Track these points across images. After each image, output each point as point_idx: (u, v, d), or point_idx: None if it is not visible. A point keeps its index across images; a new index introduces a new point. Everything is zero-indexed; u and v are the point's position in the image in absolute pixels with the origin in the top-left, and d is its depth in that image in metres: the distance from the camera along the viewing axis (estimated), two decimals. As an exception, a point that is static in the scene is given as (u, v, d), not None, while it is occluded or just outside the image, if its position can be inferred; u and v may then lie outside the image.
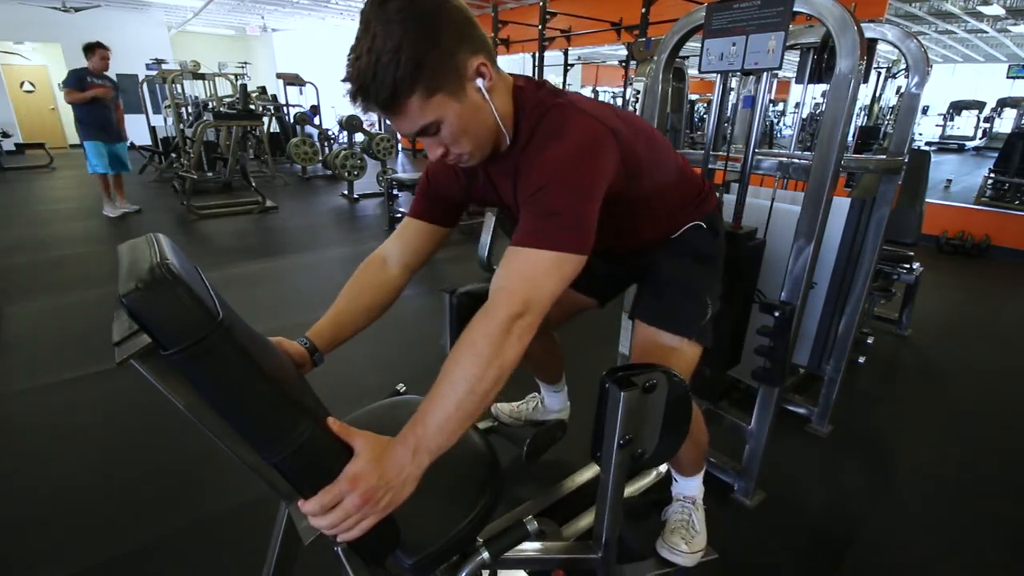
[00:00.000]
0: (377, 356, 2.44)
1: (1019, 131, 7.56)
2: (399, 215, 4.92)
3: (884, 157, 1.66)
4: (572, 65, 7.47)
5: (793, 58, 1.83)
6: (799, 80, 1.72)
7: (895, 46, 1.62)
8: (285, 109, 8.49)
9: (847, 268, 1.65)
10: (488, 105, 0.79)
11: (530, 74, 0.83)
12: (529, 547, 1.11)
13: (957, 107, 12.43)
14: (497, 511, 0.90)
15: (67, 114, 9.29)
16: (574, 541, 1.17)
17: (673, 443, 0.99)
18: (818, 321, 1.68)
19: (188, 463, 1.72)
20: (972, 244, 4.42)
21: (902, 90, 3.43)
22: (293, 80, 8.13)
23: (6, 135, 8.61)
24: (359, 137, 6.56)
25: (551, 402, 1.66)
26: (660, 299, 1.08)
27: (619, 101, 10.23)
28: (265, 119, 7.46)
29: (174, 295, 0.52)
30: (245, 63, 9.93)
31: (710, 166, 1.57)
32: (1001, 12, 7.79)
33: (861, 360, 2.45)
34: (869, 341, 2.63)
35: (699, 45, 1.35)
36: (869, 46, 1.51)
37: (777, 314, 1.29)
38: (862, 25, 1.16)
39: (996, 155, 5.70)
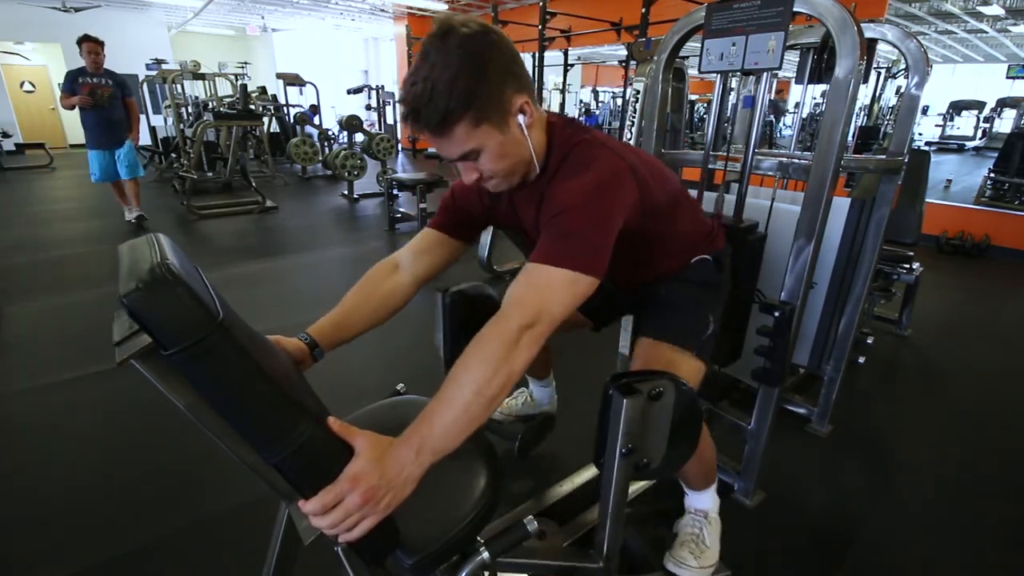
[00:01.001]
0: (377, 356, 2.44)
1: (1019, 131, 7.56)
2: (399, 215, 4.92)
3: (884, 157, 1.66)
4: (572, 65, 7.48)
5: (793, 58, 1.83)
6: (799, 80, 1.72)
7: (895, 46, 1.62)
8: (285, 109, 8.49)
9: (847, 268, 1.65)
10: (526, 140, 0.85)
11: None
12: (529, 553, 1.09)
13: (957, 107, 12.43)
14: (497, 511, 0.90)
15: (67, 114, 9.31)
16: (575, 548, 1.15)
17: (680, 455, 0.96)
18: (818, 321, 1.68)
19: (188, 463, 1.72)
20: (972, 244, 4.42)
21: (902, 90, 3.43)
22: (293, 80, 8.13)
23: (6, 135, 8.61)
24: (359, 137, 6.56)
25: (540, 396, 1.70)
26: (662, 315, 1.11)
27: (619, 101, 10.24)
28: (265, 119, 7.46)
29: (174, 295, 0.52)
30: (245, 63, 9.93)
31: (710, 166, 1.57)
32: (1001, 12, 7.79)
33: (861, 360, 2.45)
34: (869, 341, 2.63)
35: (699, 45, 1.35)
36: (869, 46, 1.51)
37: (777, 314, 1.29)
38: (862, 25, 1.16)
39: (996, 155, 5.70)
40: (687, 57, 2.53)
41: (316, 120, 8.26)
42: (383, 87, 8.75)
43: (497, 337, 0.72)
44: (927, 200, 3.31)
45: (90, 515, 1.50)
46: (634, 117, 2.06)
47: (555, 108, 8.73)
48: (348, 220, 5.31)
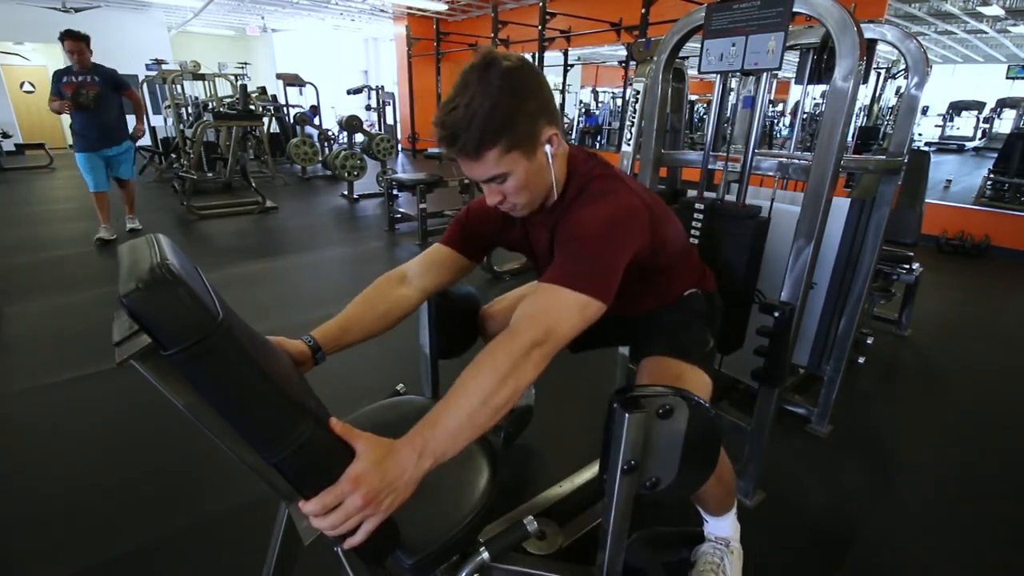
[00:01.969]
0: (377, 356, 2.44)
1: (1019, 131, 7.57)
2: (399, 215, 4.92)
3: (884, 157, 1.66)
4: (572, 65, 7.48)
5: (793, 58, 1.83)
6: (799, 80, 1.72)
7: (895, 46, 1.62)
8: (285, 109, 8.50)
9: (847, 268, 1.65)
10: (550, 169, 0.90)
11: (559, 109, 0.92)
12: (531, 569, 1.08)
13: (957, 107, 12.43)
14: (497, 511, 0.90)
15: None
16: (576, 565, 1.14)
17: (695, 478, 0.93)
18: (818, 321, 1.68)
19: (188, 463, 1.72)
20: (972, 244, 4.42)
21: (902, 90, 3.43)
22: (293, 80, 8.13)
23: (6, 135, 8.61)
24: (359, 137, 6.56)
25: None
26: (663, 333, 1.12)
27: (619, 101, 10.23)
28: (265, 119, 7.47)
29: (174, 295, 0.52)
30: (245, 63, 9.94)
31: (710, 166, 1.57)
32: (1001, 13, 7.79)
33: (861, 360, 2.45)
34: (869, 341, 2.63)
35: (699, 45, 1.35)
36: (869, 46, 1.51)
37: (777, 314, 1.29)
38: (862, 25, 1.16)
39: (996, 155, 5.70)
40: (687, 57, 2.53)
41: (316, 120, 8.26)
42: (383, 87, 8.75)
43: (508, 350, 0.73)
44: (927, 200, 3.31)
45: (90, 515, 1.50)
46: (634, 117, 2.06)
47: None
48: (348, 220, 5.31)
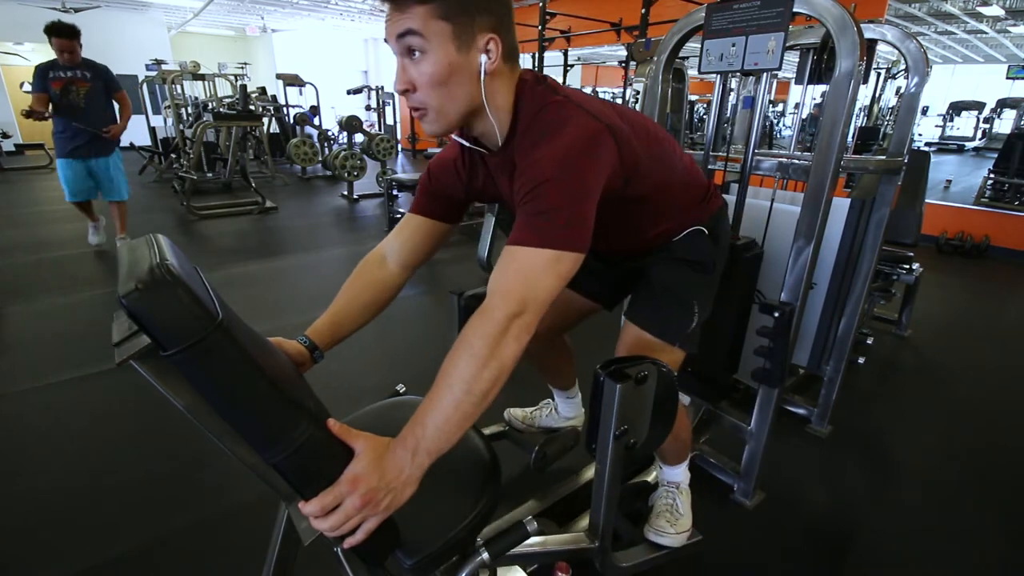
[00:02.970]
0: (377, 356, 2.44)
1: (1019, 132, 7.56)
2: (399, 215, 4.90)
3: (884, 158, 1.66)
4: (572, 66, 7.48)
5: (793, 59, 1.83)
6: (799, 81, 1.72)
7: (895, 47, 1.62)
8: (285, 110, 8.49)
9: (847, 268, 1.65)
10: (478, 84, 0.77)
11: (515, 32, 0.83)
12: (527, 541, 1.12)
13: (957, 108, 12.44)
14: (497, 511, 0.91)
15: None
16: (571, 533, 1.19)
17: (661, 432, 1.04)
18: (818, 321, 1.68)
19: (188, 463, 1.72)
20: (972, 245, 4.42)
21: (902, 91, 3.43)
22: (293, 81, 8.13)
23: (6, 136, 8.61)
24: (359, 138, 6.56)
25: (564, 409, 1.61)
26: (650, 303, 1.11)
27: (619, 102, 10.23)
28: (265, 120, 7.47)
29: (174, 296, 0.52)
30: (245, 64, 9.94)
31: (710, 166, 1.57)
32: (1001, 13, 7.80)
33: (861, 361, 2.45)
34: (869, 342, 2.63)
35: (699, 46, 1.35)
36: (869, 47, 1.51)
37: (777, 315, 1.29)
38: (862, 26, 1.16)
39: (996, 156, 5.71)
40: (687, 57, 2.53)
41: (316, 121, 8.26)
42: (383, 88, 8.75)
43: (482, 331, 0.69)
44: (927, 201, 3.31)
45: (90, 515, 1.50)
46: (634, 117, 2.07)
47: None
48: (348, 220, 5.31)
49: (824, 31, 1.42)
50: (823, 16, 1.16)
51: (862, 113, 5.82)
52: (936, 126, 12.81)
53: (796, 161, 1.40)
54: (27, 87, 9.04)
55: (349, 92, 8.16)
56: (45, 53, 3.41)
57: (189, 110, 7.66)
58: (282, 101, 8.57)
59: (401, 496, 0.67)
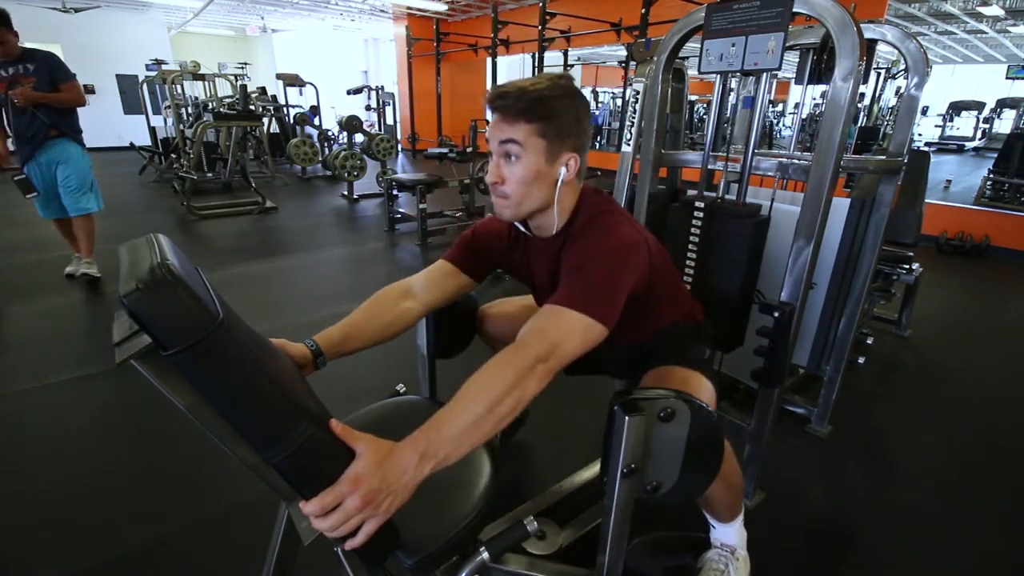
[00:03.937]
0: (377, 357, 2.44)
1: (1018, 132, 7.57)
2: (399, 215, 4.92)
3: (884, 158, 1.66)
4: (572, 66, 7.48)
5: (793, 59, 1.83)
6: (799, 81, 1.72)
7: (895, 47, 1.62)
8: (285, 110, 8.49)
9: (847, 268, 1.65)
10: (555, 189, 0.95)
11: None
12: (529, 567, 1.09)
13: (956, 108, 12.45)
14: (497, 511, 0.90)
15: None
16: (577, 567, 1.15)
17: (697, 483, 0.93)
18: (818, 321, 1.68)
19: (188, 463, 1.72)
20: (972, 244, 4.42)
21: (902, 91, 3.43)
22: (293, 81, 8.13)
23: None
24: (359, 138, 6.56)
25: None
26: (663, 349, 1.14)
27: (619, 102, 10.23)
28: (265, 120, 7.47)
29: (174, 295, 0.52)
30: (245, 64, 9.94)
31: (710, 167, 1.57)
32: (1000, 13, 7.80)
33: (861, 360, 2.45)
34: (869, 341, 2.63)
35: (699, 46, 1.35)
36: (869, 47, 1.51)
37: (776, 315, 1.29)
38: (862, 26, 1.16)
39: (995, 156, 5.71)
40: (687, 57, 2.53)
41: (316, 121, 8.26)
42: (383, 88, 8.75)
43: (516, 363, 0.75)
44: (927, 200, 3.30)
45: (90, 515, 1.50)
46: (634, 118, 2.06)
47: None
48: (348, 221, 5.31)
49: (824, 31, 1.42)
50: (823, 16, 1.16)
51: (862, 113, 5.82)
52: (936, 126, 12.81)
53: (796, 161, 1.40)
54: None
55: (349, 92, 8.16)
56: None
57: (189, 110, 7.66)
58: (282, 101, 8.58)
59: (401, 498, 0.67)
